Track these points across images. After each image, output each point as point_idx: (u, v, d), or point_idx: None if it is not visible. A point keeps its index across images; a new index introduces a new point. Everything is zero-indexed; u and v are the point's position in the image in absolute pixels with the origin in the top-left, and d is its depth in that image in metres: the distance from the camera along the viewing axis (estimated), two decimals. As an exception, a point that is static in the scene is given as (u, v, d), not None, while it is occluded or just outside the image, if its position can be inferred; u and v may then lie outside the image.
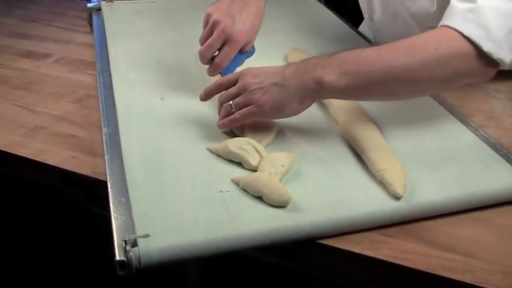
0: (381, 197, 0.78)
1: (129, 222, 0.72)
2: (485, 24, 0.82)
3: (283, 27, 1.36)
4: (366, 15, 1.35)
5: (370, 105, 0.98)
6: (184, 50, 1.19)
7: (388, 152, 0.85)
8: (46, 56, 1.31)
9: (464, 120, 0.98)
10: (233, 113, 0.87)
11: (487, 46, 0.82)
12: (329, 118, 0.97)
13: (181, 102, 0.99)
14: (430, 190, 0.80)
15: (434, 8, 1.08)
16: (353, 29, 1.38)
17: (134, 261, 0.66)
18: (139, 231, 0.69)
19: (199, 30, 1.02)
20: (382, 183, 0.80)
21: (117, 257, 0.67)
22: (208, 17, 1.00)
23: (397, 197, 0.77)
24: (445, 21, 0.86)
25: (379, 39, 1.35)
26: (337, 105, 0.96)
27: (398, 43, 0.85)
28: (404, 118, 0.98)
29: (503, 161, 0.87)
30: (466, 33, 0.82)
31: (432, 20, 1.04)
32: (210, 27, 0.98)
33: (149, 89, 1.05)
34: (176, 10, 1.19)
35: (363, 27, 1.43)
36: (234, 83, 0.89)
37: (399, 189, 0.77)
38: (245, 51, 1.03)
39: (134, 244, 0.67)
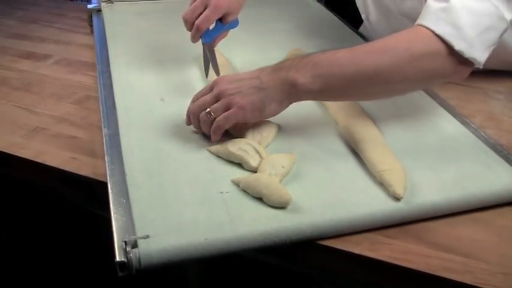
0: (381, 198, 0.78)
1: (130, 223, 0.72)
2: (457, 23, 0.83)
3: (282, 28, 1.36)
4: (363, 16, 1.35)
5: (369, 106, 0.98)
6: (184, 51, 1.20)
7: (388, 152, 0.85)
8: (46, 57, 1.31)
9: (464, 121, 0.98)
10: (212, 120, 0.86)
11: (458, 45, 0.82)
12: (329, 119, 0.97)
13: (182, 103, 0.99)
14: (430, 191, 0.80)
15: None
16: (353, 30, 1.38)
17: (134, 262, 0.66)
18: (140, 232, 0.69)
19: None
20: (382, 184, 0.80)
21: (118, 258, 0.67)
22: None
23: (397, 198, 0.77)
24: (419, 20, 0.86)
25: (376, 39, 1.35)
26: (337, 105, 0.96)
27: (372, 44, 0.87)
28: (404, 119, 0.98)
29: (503, 161, 0.87)
30: (438, 32, 0.83)
31: None
32: None
33: (149, 90, 1.05)
34: (176, 11, 1.19)
35: (363, 28, 1.43)
36: (206, 92, 0.89)
37: (399, 190, 0.77)
38: (227, 22, 1.06)
39: (134, 245, 0.68)
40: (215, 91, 0.87)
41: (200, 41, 1.04)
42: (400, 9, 1.16)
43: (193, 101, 0.90)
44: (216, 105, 0.86)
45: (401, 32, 0.87)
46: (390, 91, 0.90)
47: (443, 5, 0.84)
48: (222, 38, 1.09)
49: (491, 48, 0.86)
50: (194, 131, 0.91)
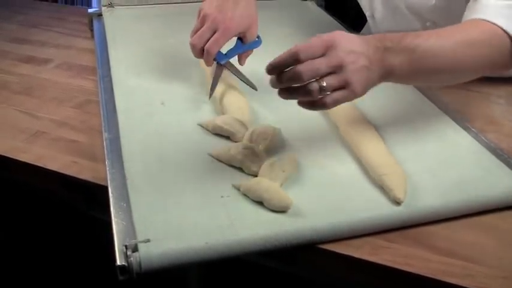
0: (382, 202, 0.78)
1: (130, 227, 0.72)
2: None
3: (283, 31, 1.36)
4: (367, 14, 1.35)
5: (371, 111, 0.98)
6: (184, 55, 1.19)
7: (389, 157, 0.85)
8: (47, 61, 1.32)
9: (464, 125, 0.98)
10: (322, 95, 0.76)
11: None
12: (329, 123, 0.97)
13: (182, 107, 0.99)
14: (430, 195, 0.80)
15: (433, 1, 1.09)
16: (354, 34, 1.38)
17: (135, 266, 0.66)
18: (140, 236, 0.69)
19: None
20: (383, 188, 0.80)
21: (118, 262, 0.67)
22: (199, 12, 1.03)
23: (397, 202, 0.77)
24: (480, 15, 0.90)
25: None
26: (337, 110, 0.96)
27: (457, 35, 0.88)
28: (405, 123, 0.98)
29: (504, 166, 0.87)
30: (506, 28, 0.87)
31: (432, 13, 1.05)
32: (201, 19, 1.01)
33: (150, 94, 1.05)
34: (176, 15, 1.19)
35: (366, 30, 1.43)
36: (318, 53, 0.76)
37: (400, 194, 0.77)
38: (247, 41, 1.04)
39: (135, 249, 0.68)
40: (332, 58, 0.76)
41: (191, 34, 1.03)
42: (409, 3, 1.17)
43: (293, 52, 0.75)
44: (331, 79, 0.75)
45: (475, 25, 0.90)
46: (466, 78, 0.95)
47: (506, 2, 0.89)
48: (247, 55, 1.07)
49: None
50: (213, 126, 0.92)
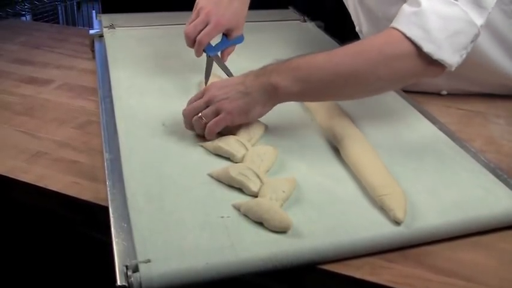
0: (382, 222, 0.78)
1: (131, 248, 0.72)
2: (426, 26, 0.86)
3: (282, 53, 1.35)
4: (357, 29, 1.37)
5: (370, 130, 0.99)
6: (185, 76, 1.21)
7: (388, 177, 0.85)
8: (48, 82, 1.32)
9: (463, 145, 0.98)
10: (204, 123, 0.94)
11: (427, 47, 0.86)
12: (329, 143, 0.98)
13: (183, 128, 1.00)
14: (430, 215, 0.80)
15: None
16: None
17: (135, 286, 0.66)
18: (141, 257, 0.69)
19: (201, 57, 1.10)
20: (383, 208, 0.80)
21: (119, 282, 0.66)
22: (196, 5, 1.12)
23: (397, 222, 0.77)
24: (393, 23, 0.90)
25: None
26: (338, 130, 0.97)
27: (347, 47, 0.92)
28: (404, 143, 0.98)
29: (503, 185, 0.87)
30: (408, 34, 0.87)
31: None
32: (196, 12, 1.10)
33: (151, 115, 1.05)
34: (177, 36, 1.20)
35: None
36: (198, 98, 0.96)
37: (400, 214, 0.77)
38: (231, 38, 1.14)
39: (135, 269, 0.68)
40: (206, 97, 0.94)
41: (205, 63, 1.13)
42: (387, 15, 1.19)
43: (188, 105, 0.97)
44: (206, 110, 0.94)
45: (376, 35, 0.91)
46: (367, 91, 0.94)
47: (415, 9, 0.88)
48: (230, 52, 1.16)
49: (463, 52, 0.89)
50: (195, 139, 0.97)
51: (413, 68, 0.88)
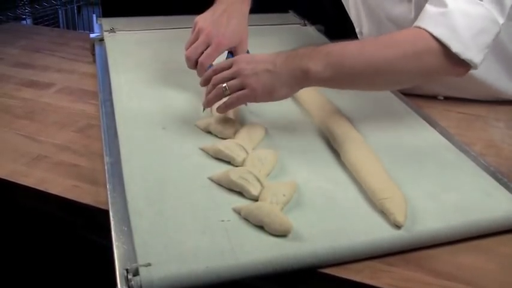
0: (382, 226, 0.78)
1: (131, 251, 0.72)
2: (454, 26, 0.88)
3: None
4: (357, 30, 1.38)
5: (371, 134, 0.99)
6: (186, 80, 1.20)
7: (389, 180, 0.85)
8: (49, 85, 1.33)
9: (464, 148, 0.98)
10: (226, 95, 0.94)
11: (455, 47, 0.88)
12: (329, 147, 0.98)
13: (183, 132, 1.00)
14: (430, 219, 0.80)
15: (412, 15, 1.12)
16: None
17: (136, 290, 0.66)
18: (141, 260, 0.69)
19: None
20: (383, 212, 0.80)
21: (119, 286, 0.66)
22: (195, 25, 1.11)
23: (398, 226, 0.77)
24: (418, 22, 0.92)
25: None
26: (339, 134, 0.97)
27: (379, 38, 0.95)
28: (404, 146, 0.99)
29: (503, 189, 0.87)
30: (436, 34, 0.89)
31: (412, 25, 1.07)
32: (196, 33, 1.10)
33: (151, 119, 1.05)
34: (177, 40, 1.20)
35: None
36: (228, 68, 0.95)
37: (400, 218, 0.77)
38: (237, 55, 1.12)
39: (136, 273, 0.68)
40: (234, 68, 0.94)
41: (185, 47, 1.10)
42: (389, 15, 1.20)
43: (213, 70, 0.97)
44: (232, 82, 0.93)
45: (406, 30, 0.94)
46: (393, 82, 0.98)
47: (441, 9, 0.90)
48: None
49: (486, 51, 0.91)
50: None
51: (441, 65, 0.90)
